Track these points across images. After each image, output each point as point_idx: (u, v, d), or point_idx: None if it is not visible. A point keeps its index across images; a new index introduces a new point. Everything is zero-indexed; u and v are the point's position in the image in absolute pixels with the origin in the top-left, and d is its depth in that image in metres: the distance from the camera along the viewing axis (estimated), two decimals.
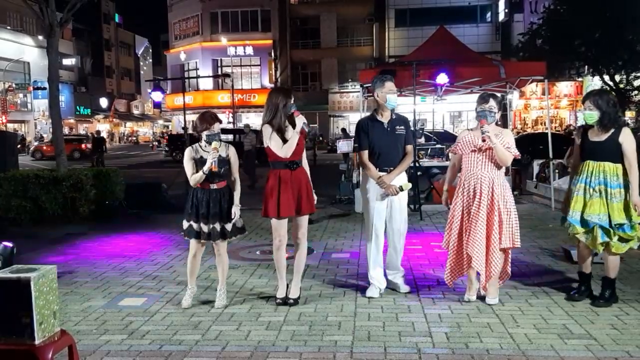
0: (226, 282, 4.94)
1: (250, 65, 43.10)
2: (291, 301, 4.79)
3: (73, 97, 47.95)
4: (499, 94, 4.73)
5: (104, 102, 54.06)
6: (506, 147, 4.58)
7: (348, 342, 3.94)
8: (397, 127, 4.96)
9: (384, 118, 4.97)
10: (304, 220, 4.81)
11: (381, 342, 3.93)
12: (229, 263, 5.04)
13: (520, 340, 3.92)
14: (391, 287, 5.13)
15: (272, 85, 40.98)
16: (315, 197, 4.85)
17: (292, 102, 4.70)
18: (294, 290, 4.85)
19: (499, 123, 4.81)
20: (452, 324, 4.25)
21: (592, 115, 4.49)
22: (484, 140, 4.54)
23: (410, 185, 4.98)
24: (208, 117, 4.67)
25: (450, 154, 4.97)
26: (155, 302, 4.91)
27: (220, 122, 4.78)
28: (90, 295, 5.19)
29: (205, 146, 4.64)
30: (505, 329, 4.13)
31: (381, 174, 4.91)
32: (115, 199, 9.87)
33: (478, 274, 4.76)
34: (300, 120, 4.63)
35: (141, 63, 68.86)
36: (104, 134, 30.96)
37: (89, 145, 31.61)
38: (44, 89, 37.20)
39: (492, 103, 4.63)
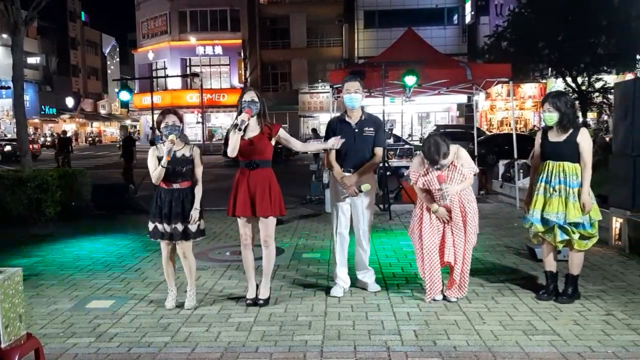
0: (195, 284, 4.93)
1: (219, 65, 42.83)
2: (261, 302, 4.79)
3: (38, 97, 46.88)
4: (443, 145, 4.54)
5: (69, 101, 52.97)
6: (463, 177, 4.58)
7: (318, 342, 3.97)
8: (366, 128, 4.95)
9: (352, 119, 4.97)
10: (268, 222, 4.74)
11: (351, 341, 3.97)
12: (198, 264, 5.03)
13: (487, 337, 4.00)
14: (361, 287, 5.17)
15: (242, 85, 40.82)
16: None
17: (248, 99, 4.66)
18: (264, 291, 4.85)
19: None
20: (421, 322, 4.32)
21: (551, 116, 4.63)
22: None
23: (369, 186, 4.89)
24: (163, 111, 4.70)
25: (414, 185, 4.81)
26: (123, 305, 4.86)
27: (177, 114, 4.71)
28: (57, 297, 5.11)
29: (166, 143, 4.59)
30: (472, 326, 4.22)
31: (345, 174, 4.92)
32: (82, 200, 9.72)
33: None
34: (239, 118, 4.57)
35: (108, 62, 67.64)
36: (69, 134, 30.33)
37: (36, 146, 30.74)
38: (8, 88, 36.27)
39: (443, 161, 4.46)
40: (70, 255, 6.81)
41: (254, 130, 4.69)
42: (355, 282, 5.23)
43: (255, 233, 4.85)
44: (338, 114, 5.27)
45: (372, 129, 4.97)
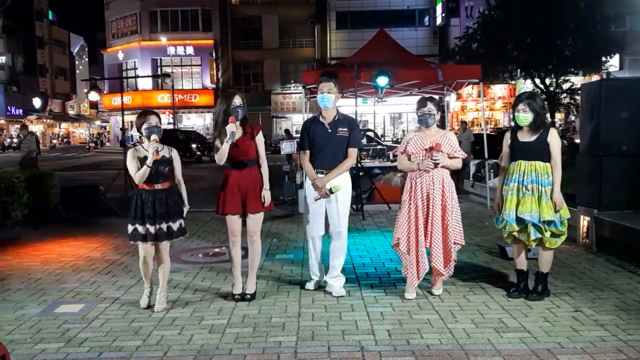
0: (167, 286, 4.89)
1: (191, 65, 42.44)
2: (248, 296, 4.90)
3: (4, 97, 45.83)
4: (436, 97, 4.94)
5: (37, 102, 51.89)
6: (453, 151, 4.78)
7: (292, 343, 3.96)
8: (340, 128, 4.94)
9: (326, 119, 4.98)
10: (255, 218, 4.87)
11: (325, 342, 3.97)
12: (171, 267, 5.00)
13: (459, 335, 4.04)
14: (328, 290, 5.11)
15: (213, 86, 40.53)
16: (268, 199, 4.85)
17: (237, 103, 4.72)
18: (250, 286, 4.95)
19: (439, 124, 5.00)
20: (394, 321, 4.34)
21: (526, 117, 4.72)
22: (435, 165, 4.71)
23: (340, 187, 4.87)
24: (144, 112, 4.74)
25: (399, 155, 4.96)
26: (93, 308, 4.78)
27: (158, 116, 4.76)
28: (24, 302, 4.99)
29: (147, 144, 4.64)
30: (444, 325, 4.26)
31: (318, 175, 4.92)
32: (50, 203, 9.53)
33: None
34: (228, 129, 4.61)
35: (77, 62, 66.42)
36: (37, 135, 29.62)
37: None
38: None
39: (431, 106, 4.80)
40: (38, 259, 6.67)
41: (238, 132, 4.76)
42: (323, 284, 5.23)
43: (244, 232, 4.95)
44: (310, 115, 5.28)
45: (345, 129, 4.95)
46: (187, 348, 3.91)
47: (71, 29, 64.46)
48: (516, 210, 4.73)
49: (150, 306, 4.75)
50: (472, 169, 12.49)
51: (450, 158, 4.77)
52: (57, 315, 4.63)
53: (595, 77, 23.59)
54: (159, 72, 41.04)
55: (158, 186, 4.65)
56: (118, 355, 3.82)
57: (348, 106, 12.30)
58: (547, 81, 22.84)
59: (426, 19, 39.48)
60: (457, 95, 31.42)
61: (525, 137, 4.78)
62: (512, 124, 4.99)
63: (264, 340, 4.03)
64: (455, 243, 4.86)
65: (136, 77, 40.59)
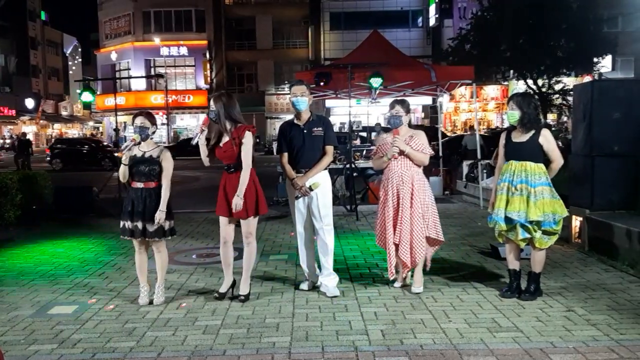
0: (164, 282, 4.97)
1: (184, 66, 42.34)
2: (242, 297, 4.91)
3: None
4: (407, 99, 5.18)
5: (29, 102, 51.62)
6: (421, 149, 4.99)
7: (286, 343, 3.97)
8: (315, 128, 5.07)
9: (301, 121, 5.09)
10: (249, 222, 4.87)
11: (319, 342, 3.98)
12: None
13: (452, 335, 4.06)
14: (322, 291, 5.13)
15: (207, 87, 40.45)
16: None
17: (212, 107, 4.78)
18: (243, 287, 4.96)
19: (410, 125, 5.24)
20: (388, 321, 4.36)
21: (513, 114, 4.78)
22: (400, 153, 4.96)
23: (319, 184, 5.00)
24: (136, 113, 4.92)
25: (372, 156, 5.35)
26: (87, 310, 4.77)
27: (149, 115, 4.90)
28: (18, 304, 4.98)
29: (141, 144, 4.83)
30: (438, 325, 4.28)
31: (298, 175, 5.03)
32: (43, 204, 9.49)
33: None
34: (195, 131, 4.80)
35: (70, 63, 66.10)
36: (30, 136, 29.52)
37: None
38: None
39: (398, 108, 5.03)
40: (32, 261, 6.65)
41: (227, 136, 4.81)
42: (318, 285, 5.25)
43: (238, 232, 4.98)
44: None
45: (320, 128, 5.09)
46: (181, 349, 3.91)
47: (64, 30, 64.22)
48: (505, 209, 4.77)
49: (150, 302, 4.88)
50: (465, 169, 12.54)
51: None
52: (51, 317, 4.63)
53: (587, 78, 23.68)
54: (153, 73, 40.89)
55: (139, 185, 4.77)
56: (112, 356, 3.82)
57: (342, 107, 12.31)
58: (540, 82, 22.94)
59: (419, 20, 39.52)
60: (450, 96, 31.50)
61: (518, 137, 4.82)
62: (505, 125, 5.05)
63: (257, 340, 4.04)
64: (432, 239, 5.07)
65: (129, 77, 40.40)
